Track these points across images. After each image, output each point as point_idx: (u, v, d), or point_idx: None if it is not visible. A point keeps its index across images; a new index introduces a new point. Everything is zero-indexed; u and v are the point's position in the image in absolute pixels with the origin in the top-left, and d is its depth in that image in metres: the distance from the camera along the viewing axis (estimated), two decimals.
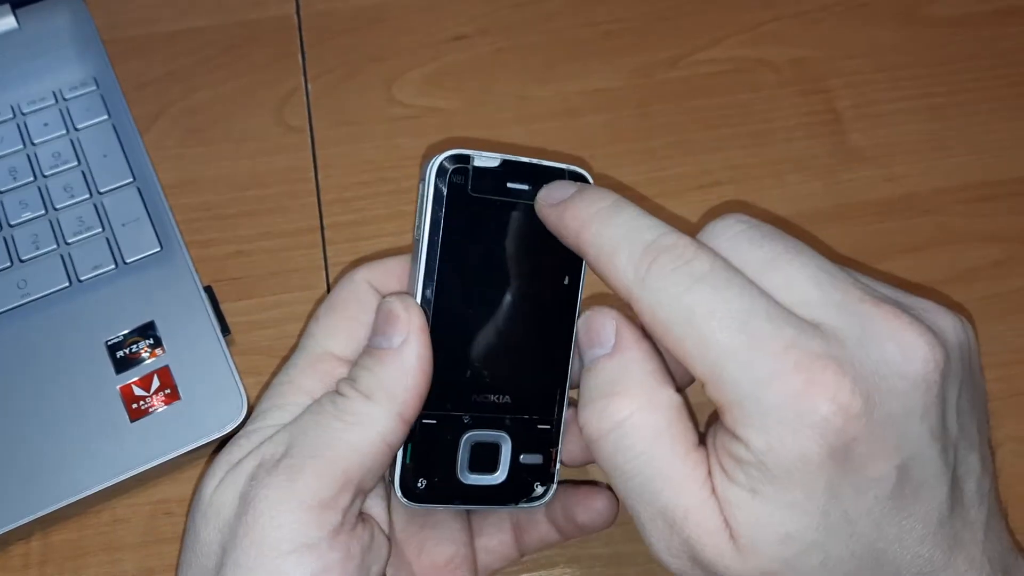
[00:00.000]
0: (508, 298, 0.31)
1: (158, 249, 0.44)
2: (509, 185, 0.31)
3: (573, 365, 0.32)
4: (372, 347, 0.30)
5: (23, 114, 0.48)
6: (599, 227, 0.27)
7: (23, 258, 0.44)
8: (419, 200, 0.30)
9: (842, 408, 0.23)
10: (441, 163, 0.30)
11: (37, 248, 0.44)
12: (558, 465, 0.33)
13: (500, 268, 0.31)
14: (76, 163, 0.46)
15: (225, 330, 0.42)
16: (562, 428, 0.32)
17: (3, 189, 0.46)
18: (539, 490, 0.32)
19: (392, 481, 0.31)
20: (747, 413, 0.24)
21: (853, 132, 0.49)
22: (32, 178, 0.46)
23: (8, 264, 0.44)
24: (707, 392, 0.25)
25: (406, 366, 0.29)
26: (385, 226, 0.46)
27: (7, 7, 0.51)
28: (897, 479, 0.24)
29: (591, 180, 0.32)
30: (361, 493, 0.29)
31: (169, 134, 0.49)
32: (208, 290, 0.43)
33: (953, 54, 0.51)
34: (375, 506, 0.31)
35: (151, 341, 0.42)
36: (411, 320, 0.29)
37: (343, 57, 0.52)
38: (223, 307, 0.43)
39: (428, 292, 0.30)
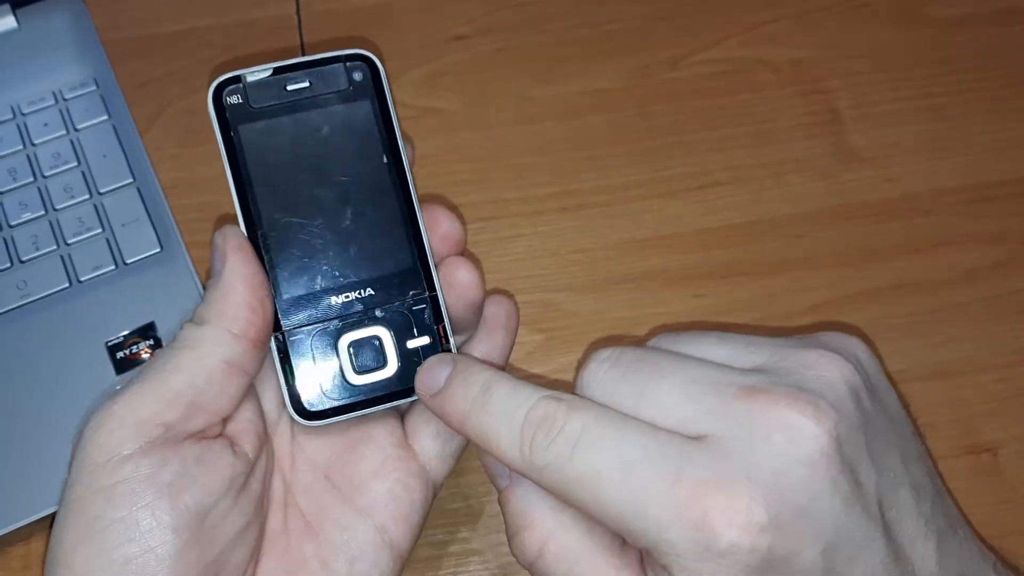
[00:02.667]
0: (331, 194, 0.31)
1: (158, 250, 0.44)
2: (289, 88, 0.31)
3: (426, 236, 0.32)
4: (207, 283, 0.31)
5: (23, 114, 0.48)
6: (476, 418, 0.28)
7: (23, 259, 0.44)
8: (215, 138, 0.31)
9: (745, 527, 0.23)
10: (215, 89, 0.31)
11: (37, 249, 0.44)
12: (452, 338, 0.32)
13: (312, 169, 0.31)
14: (76, 163, 0.46)
15: None
16: (442, 302, 0.32)
17: (3, 190, 0.46)
18: None
19: (286, 407, 0.31)
20: (665, 554, 0.24)
21: (853, 132, 0.49)
22: (32, 179, 0.46)
23: (8, 265, 0.43)
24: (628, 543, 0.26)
25: (227, 285, 0.30)
26: None
27: (7, 7, 0.51)
28: (825, 563, 0.24)
29: (376, 59, 0.32)
30: (201, 412, 0.29)
31: (169, 134, 0.49)
32: None
33: (953, 54, 0.51)
34: (240, 430, 0.31)
35: (151, 342, 0.42)
36: (226, 243, 0.30)
37: None
38: None
39: (251, 215, 0.31)
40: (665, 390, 0.26)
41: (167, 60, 0.51)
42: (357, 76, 0.32)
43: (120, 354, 0.41)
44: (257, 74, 0.31)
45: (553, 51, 0.52)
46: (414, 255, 0.32)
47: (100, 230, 0.44)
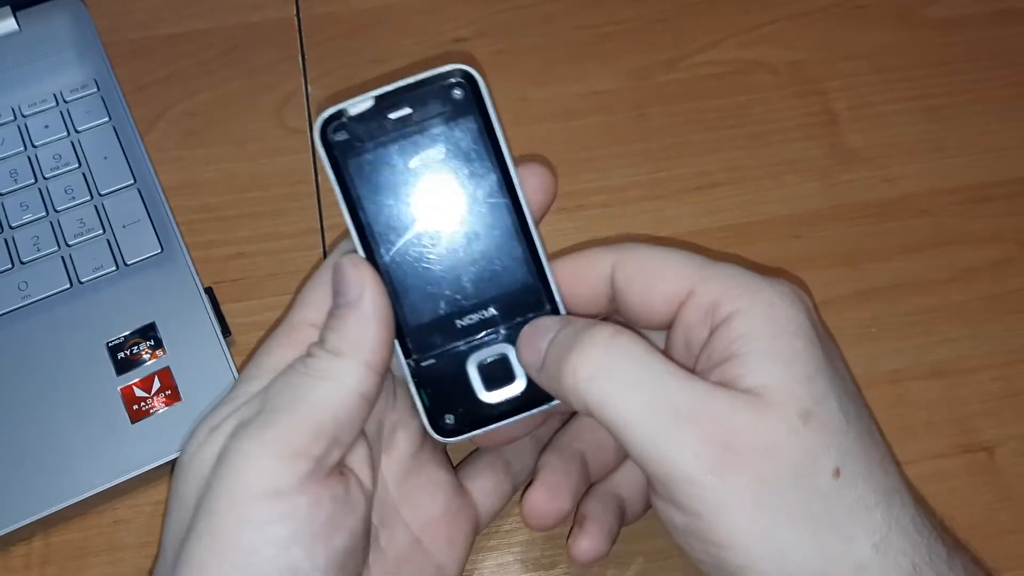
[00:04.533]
0: (447, 218, 0.31)
1: (159, 251, 0.44)
2: (392, 117, 0.31)
3: (541, 248, 0.32)
4: (333, 309, 0.30)
5: (24, 116, 0.48)
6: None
7: (24, 260, 0.44)
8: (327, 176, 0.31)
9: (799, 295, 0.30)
10: (321, 125, 0.30)
11: (38, 250, 0.44)
12: None
13: (425, 195, 0.31)
14: (77, 165, 0.46)
15: (226, 331, 0.42)
16: (562, 312, 0.32)
17: (4, 191, 0.46)
18: None
19: (424, 426, 0.32)
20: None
21: (851, 133, 0.49)
22: (33, 180, 0.46)
23: (9, 266, 0.44)
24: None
25: (364, 316, 0.30)
26: None
27: (7, 9, 0.51)
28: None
29: (476, 76, 0.31)
30: (338, 445, 0.29)
31: (169, 136, 0.49)
32: (209, 291, 0.43)
33: (950, 55, 0.52)
34: (358, 463, 0.31)
35: (152, 342, 0.42)
36: (361, 273, 0.30)
37: (343, 59, 0.52)
38: (224, 308, 0.43)
39: (370, 247, 0.31)
40: None
41: (168, 62, 0.52)
42: (458, 94, 0.31)
43: (121, 355, 0.41)
44: (358, 106, 0.30)
45: (552, 53, 0.52)
46: (532, 270, 0.32)
47: (101, 231, 0.45)
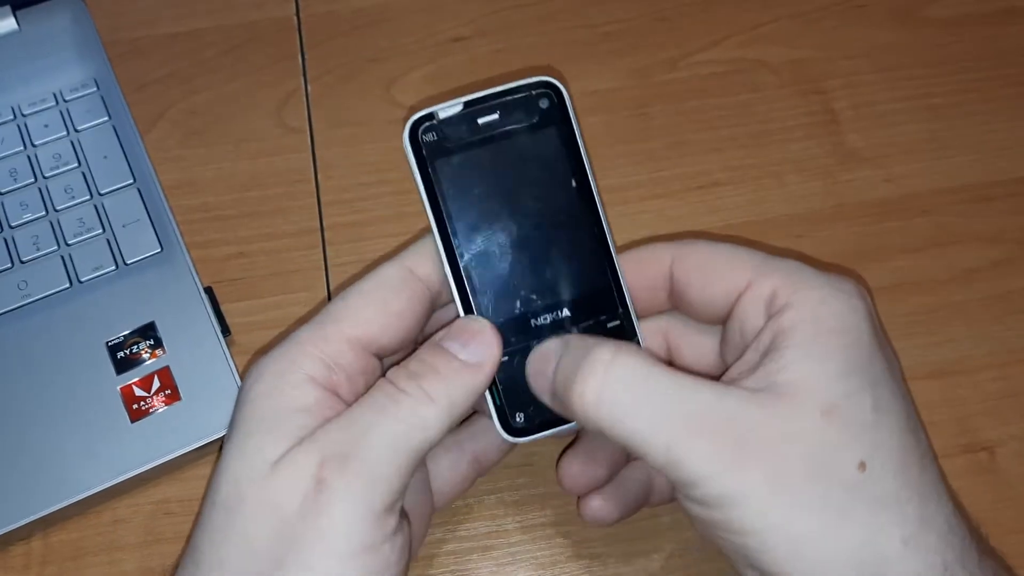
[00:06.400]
0: (527, 221, 0.32)
1: (158, 250, 0.44)
2: (480, 122, 0.32)
3: (615, 255, 0.33)
4: (444, 348, 0.31)
5: (23, 115, 0.48)
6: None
7: (24, 259, 0.44)
8: (411, 174, 0.32)
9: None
10: (411, 129, 0.32)
11: (38, 249, 0.44)
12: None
13: (507, 199, 0.32)
14: (76, 164, 0.46)
15: (225, 331, 0.42)
16: (634, 317, 0.33)
17: (4, 190, 0.46)
18: None
19: (494, 425, 0.32)
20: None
21: (851, 132, 0.49)
22: (33, 179, 0.46)
23: (9, 265, 0.44)
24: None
25: (475, 385, 0.30)
26: (385, 227, 0.46)
27: (7, 9, 0.51)
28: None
29: (562, 88, 0.33)
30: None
31: (169, 135, 0.49)
32: (208, 291, 0.43)
33: (951, 54, 0.51)
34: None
35: (151, 342, 0.42)
36: (493, 342, 0.31)
37: (343, 58, 0.52)
38: (223, 308, 0.43)
39: (454, 250, 0.32)
40: None
41: (168, 61, 0.52)
42: (544, 104, 0.33)
43: (120, 354, 0.41)
44: (448, 110, 0.32)
45: (552, 52, 0.52)
46: (607, 275, 0.33)
47: (100, 231, 0.44)
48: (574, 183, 0.33)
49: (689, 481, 0.28)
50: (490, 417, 0.33)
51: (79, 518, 0.39)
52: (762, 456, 0.27)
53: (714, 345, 0.34)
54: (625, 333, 0.33)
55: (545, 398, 0.32)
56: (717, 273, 0.32)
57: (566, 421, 0.33)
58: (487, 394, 0.32)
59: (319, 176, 0.48)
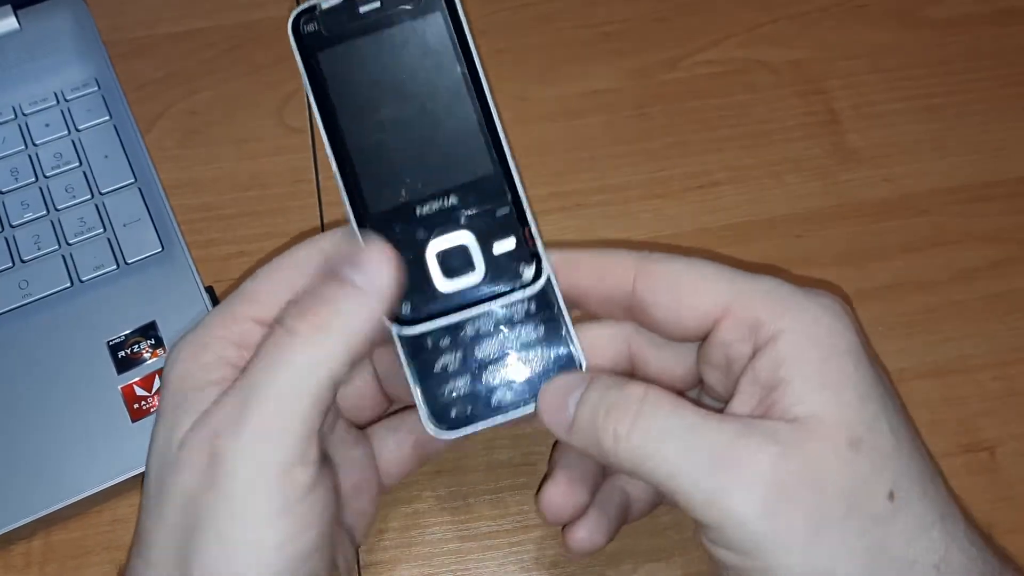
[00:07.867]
0: (413, 110, 0.32)
1: (159, 249, 0.44)
2: (362, 10, 0.32)
3: (507, 143, 0.32)
4: (335, 275, 0.29)
5: (25, 115, 0.48)
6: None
7: (25, 258, 0.44)
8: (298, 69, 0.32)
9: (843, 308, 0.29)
10: (293, 21, 0.32)
11: (39, 248, 0.44)
12: (539, 243, 0.32)
13: (392, 88, 0.32)
14: (77, 164, 0.46)
15: None
16: (526, 207, 0.32)
17: (5, 190, 0.46)
18: (525, 271, 0.32)
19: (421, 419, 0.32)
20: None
21: (851, 133, 0.49)
22: (34, 179, 0.46)
23: (10, 264, 0.44)
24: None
25: (374, 309, 0.29)
26: None
27: (8, 8, 0.51)
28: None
29: None
30: (321, 437, 0.28)
31: (170, 135, 0.49)
32: (209, 290, 0.43)
33: (951, 55, 0.52)
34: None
35: (152, 341, 0.42)
36: (388, 259, 0.29)
37: None
38: None
39: (339, 139, 0.31)
40: None
41: (168, 61, 0.52)
42: None
43: (121, 353, 0.41)
44: (330, 0, 0.32)
45: (552, 52, 0.52)
46: (495, 164, 0.32)
47: (101, 230, 0.45)
48: (459, 69, 0.32)
49: (721, 524, 0.26)
50: (419, 410, 0.31)
51: (80, 517, 0.39)
52: (799, 498, 0.26)
53: (682, 359, 0.33)
54: (516, 222, 0.32)
55: (560, 433, 0.30)
56: (688, 294, 0.31)
57: (463, 307, 0.32)
58: (415, 386, 0.31)
59: (320, 176, 0.48)
